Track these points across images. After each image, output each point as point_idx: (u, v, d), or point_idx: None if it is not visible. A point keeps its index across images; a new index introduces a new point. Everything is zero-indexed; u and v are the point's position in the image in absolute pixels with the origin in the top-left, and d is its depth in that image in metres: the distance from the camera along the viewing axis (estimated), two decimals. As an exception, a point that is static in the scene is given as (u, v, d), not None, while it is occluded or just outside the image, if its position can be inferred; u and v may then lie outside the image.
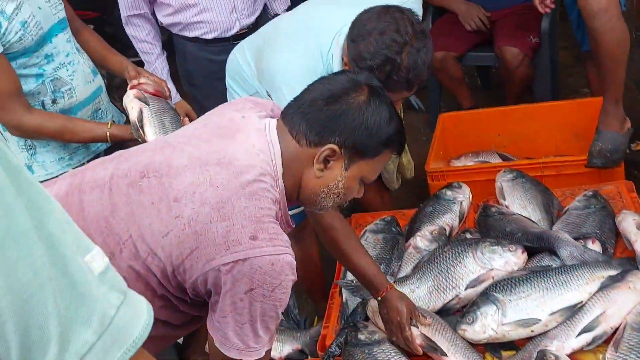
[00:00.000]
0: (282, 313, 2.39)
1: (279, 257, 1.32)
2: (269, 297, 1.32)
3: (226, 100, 1.68)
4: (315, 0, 2.29)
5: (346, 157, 1.44)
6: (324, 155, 1.42)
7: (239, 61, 2.29)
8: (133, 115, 2.00)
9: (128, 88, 2.09)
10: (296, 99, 1.50)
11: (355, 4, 1.95)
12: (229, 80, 2.36)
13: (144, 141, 1.96)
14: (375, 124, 1.43)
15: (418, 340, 1.85)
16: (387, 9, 1.86)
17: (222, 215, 1.31)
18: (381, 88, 1.51)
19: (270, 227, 1.34)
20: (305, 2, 2.29)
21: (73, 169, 2.08)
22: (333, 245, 1.93)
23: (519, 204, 2.36)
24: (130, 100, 2.03)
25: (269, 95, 2.13)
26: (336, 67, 1.98)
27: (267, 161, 1.41)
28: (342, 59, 1.95)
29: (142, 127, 1.98)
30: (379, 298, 1.91)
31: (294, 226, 1.55)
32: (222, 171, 1.36)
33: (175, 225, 1.33)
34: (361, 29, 1.85)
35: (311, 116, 1.44)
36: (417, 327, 1.87)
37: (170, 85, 2.65)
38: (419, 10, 2.10)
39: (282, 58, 2.10)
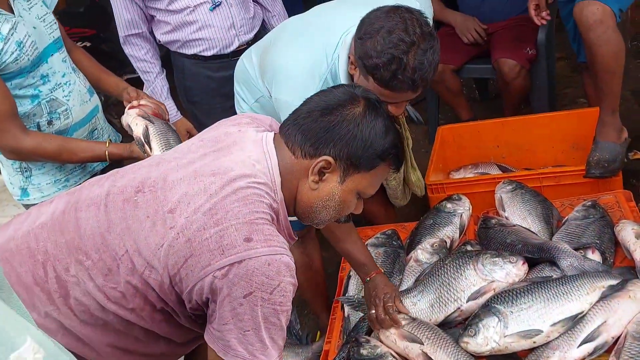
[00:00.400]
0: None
1: (275, 257, 1.31)
2: (269, 300, 1.31)
3: (226, 116, 1.68)
4: (324, 5, 2.29)
5: (341, 170, 1.45)
6: (318, 166, 1.43)
7: (246, 65, 2.30)
8: (138, 131, 2.00)
9: (127, 108, 2.10)
10: (294, 111, 1.51)
11: (364, 6, 1.94)
12: (236, 86, 2.37)
13: (147, 157, 1.97)
14: (370, 136, 1.44)
15: None
16: (397, 8, 1.86)
17: (215, 220, 1.32)
18: (378, 101, 1.50)
19: (265, 228, 1.34)
20: (314, 7, 2.29)
21: (69, 190, 2.08)
22: (329, 231, 1.96)
23: (518, 215, 2.37)
24: (134, 118, 2.05)
25: (270, 96, 2.14)
26: (342, 66, 1.97)
27: (264, 171, 1.41)
28: (349, 57, 1.95)
29: (148, 142, 1.99)
30: (368, 279, 2.04)
31: (296, 238, 1.55)
32: (217, 180, 1.37)
33: (169, 236, 1.33)
34: (369, 27, 1.84)
35: (306, 127, 1.44)
36: (418, 345, 1.88)
37: (171, 103, 2.67)
38: (428, 12, 2.09)
39: (286, 54, 2.10)
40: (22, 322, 0.69)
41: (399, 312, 1.99)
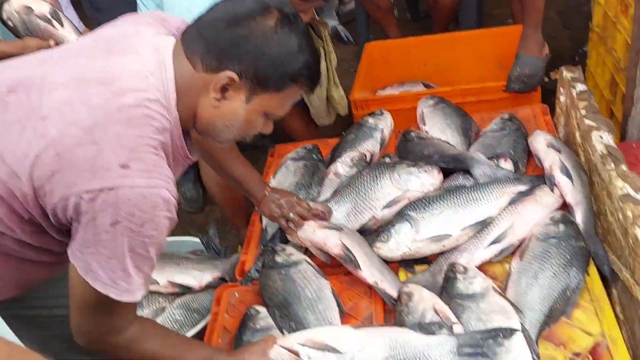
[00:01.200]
0: (203, 243, 2.42)
1: (152, 190, 1.22)
2: (138, 233, 1.23)
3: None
4: None
5: (247, 88, 1.32)
6: (221, 83, 1.31)
7: None
8: (44, 8, 1.85)
9: None
10: (197, 19, 1.37)
11: None
12: None
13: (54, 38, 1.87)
14: (281, 54, 1.31)
15: (336, 250, 1.86)
16: None
17: (92, 138, 1.21)
18: (294, 15, 1.36)
19: (148, 157, 1.24)
20: None
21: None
22: (209, 155, 1.88)
23: (438, 128, 2.37)
24: None
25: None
26: None
27: (156, 86, 1.29)
28: None
29: (58, 19, 1.83)
30: (266, 193, 1.99)
31: (194, 159, 1.45)
32: (102, 91, 1.25)
33: (39, 146, 1.23)
34: None
35: (210, 39, 1.31)
36: (338, 235, 1.88)
37: (72, 12, 2.50)
38: None
39: None
40: None
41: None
